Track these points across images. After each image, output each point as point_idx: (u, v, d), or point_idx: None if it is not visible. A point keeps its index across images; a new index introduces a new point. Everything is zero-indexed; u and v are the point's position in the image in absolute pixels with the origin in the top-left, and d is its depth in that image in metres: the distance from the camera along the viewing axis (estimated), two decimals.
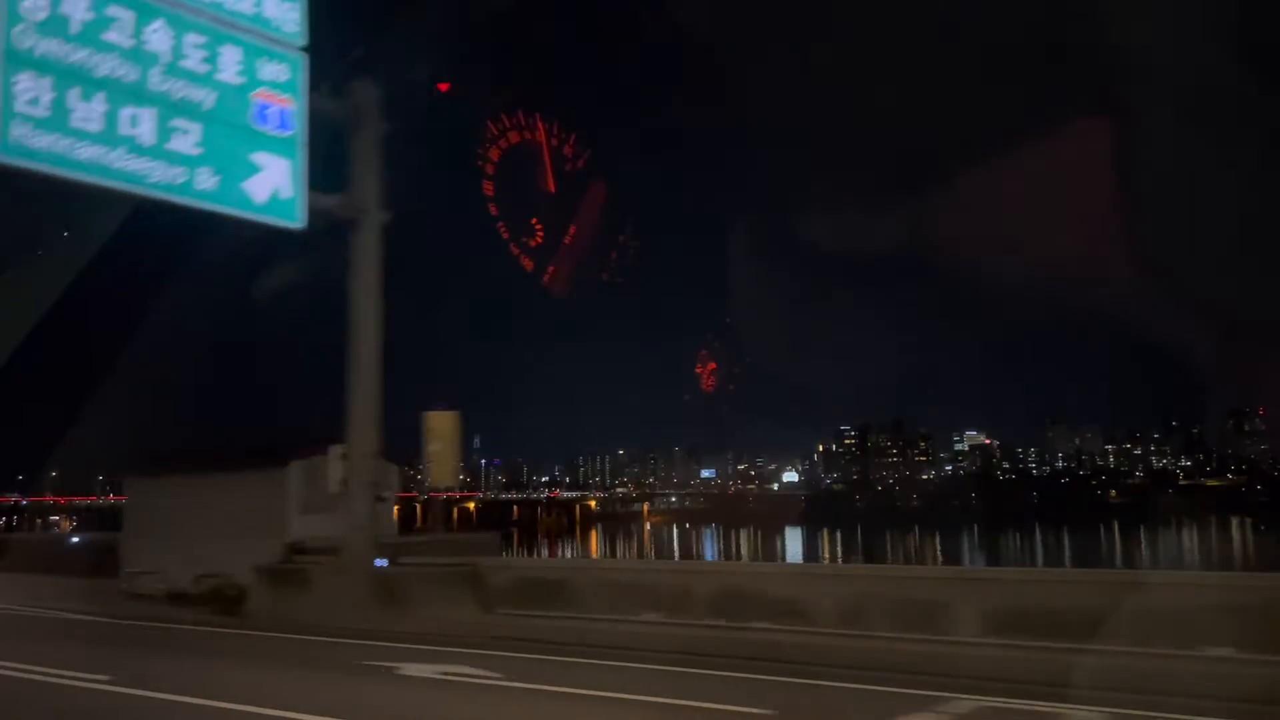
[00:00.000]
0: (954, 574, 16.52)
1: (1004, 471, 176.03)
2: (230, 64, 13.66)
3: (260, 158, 13.84)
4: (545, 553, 78.17)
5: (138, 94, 12.62)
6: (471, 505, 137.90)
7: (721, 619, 11.34)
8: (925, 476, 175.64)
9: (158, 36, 12.94)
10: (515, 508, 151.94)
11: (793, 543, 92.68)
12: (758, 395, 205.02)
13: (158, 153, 12.73)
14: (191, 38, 13.29)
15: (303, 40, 14.49)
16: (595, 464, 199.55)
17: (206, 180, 13.19)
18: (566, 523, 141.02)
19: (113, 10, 12.47)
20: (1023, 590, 10.42)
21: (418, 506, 73.71)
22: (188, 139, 13.07)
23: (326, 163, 15.22)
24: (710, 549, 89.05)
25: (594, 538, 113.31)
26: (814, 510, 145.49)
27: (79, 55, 12.09)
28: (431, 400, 18.53)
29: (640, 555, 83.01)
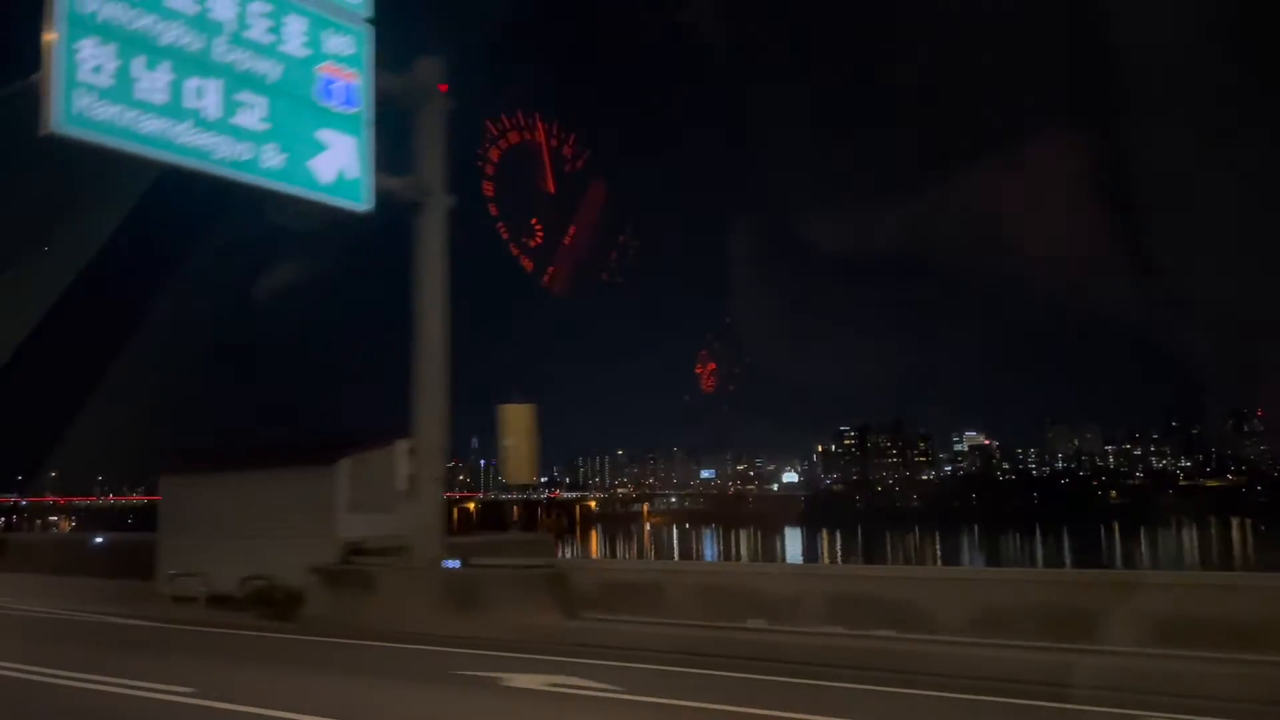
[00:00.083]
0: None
1: (1004, 472, 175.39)
2: (295, 35, 12.90)
3: (326, 135, 13.09)
4: None
5: (203, 64, 11.86)
6: (471, 506, 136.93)
7: (839, 625, 10.57)
8: (925, 477, 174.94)
9: (222, 4, 12.18)
10: (515, 508, 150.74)
11: (792, 543, 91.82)
12: (757, 395, 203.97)
13: (223, 127, 11.96)
14: (256, 6, 12.53)
15: (368, 12, 13.74)
16: (595, 464, 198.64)
17: (273, 158, 12.43)
18: (567, 523, 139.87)
19: None
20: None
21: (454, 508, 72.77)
22: (253, 114, 12.31)
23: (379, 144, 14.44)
24: (710, 549, 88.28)
25: (594, 538, 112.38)
26: (814, 511, 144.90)
27: (143, 22, 11.32)
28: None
29: (640, 555, 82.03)
